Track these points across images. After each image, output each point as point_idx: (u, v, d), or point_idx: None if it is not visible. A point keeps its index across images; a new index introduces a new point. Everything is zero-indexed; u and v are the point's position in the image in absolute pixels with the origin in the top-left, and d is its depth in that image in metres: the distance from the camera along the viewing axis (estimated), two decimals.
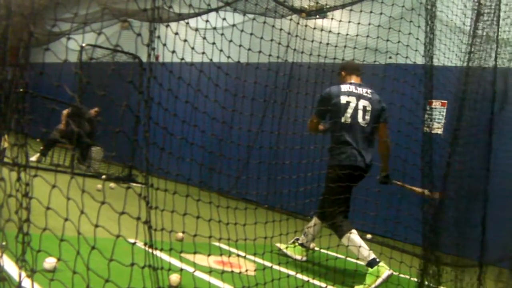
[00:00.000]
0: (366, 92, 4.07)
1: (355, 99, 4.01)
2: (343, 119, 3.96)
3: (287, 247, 4.32)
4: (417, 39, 3.55)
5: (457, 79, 4.03)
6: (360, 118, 3.98)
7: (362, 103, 4.02)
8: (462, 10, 4.32)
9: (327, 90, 4.07)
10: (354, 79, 4.19)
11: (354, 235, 3.74)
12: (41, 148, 8.38)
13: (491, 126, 3.91)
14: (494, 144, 4.04)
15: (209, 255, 2.90)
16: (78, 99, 8.24)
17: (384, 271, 3.57)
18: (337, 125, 3.96)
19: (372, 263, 3.64)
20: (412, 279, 3.55)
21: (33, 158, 7.95)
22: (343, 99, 4.00)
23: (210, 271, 2.81)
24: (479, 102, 3.87)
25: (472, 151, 3.82)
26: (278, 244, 4.22)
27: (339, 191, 3.83)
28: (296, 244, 4.33)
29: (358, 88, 4.08)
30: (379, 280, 3.54)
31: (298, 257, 4.27)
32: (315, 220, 4.22)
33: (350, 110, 3.98)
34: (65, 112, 8.53)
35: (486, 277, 3.76)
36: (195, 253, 2.62)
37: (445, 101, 5.96)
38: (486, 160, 3.91)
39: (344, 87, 4.07)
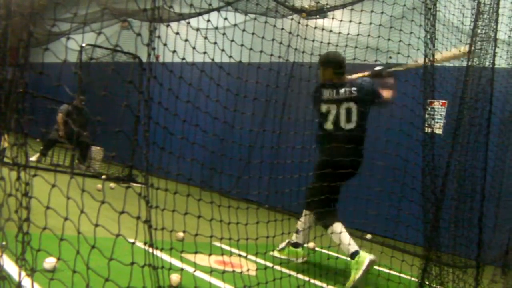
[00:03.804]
0: (350, 92, 4.03)
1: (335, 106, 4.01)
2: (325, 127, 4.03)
3: (274, 250, 4.25)
4: (419, 38, 3.55)
5: (456, 79, 4.03)
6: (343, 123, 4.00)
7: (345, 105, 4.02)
8: (460, 9, 4.31)
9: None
10: (335, 78, 4.07)
11: (341, 229, 3.76)
12: (41, 148, 8.38)
13: (488, 126, 3.90)
14: (492, 144, 4.03)
15: (210, 254, 2.89)
16: (78, 98, 8.28)
17: (365, 257, 3.58)
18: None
19: (354, 254, 3.63)
20: (413, 278, 3.55)
21: (33, 158, 7.95)
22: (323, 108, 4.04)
23: (211, 271, 2.80)
24: (479, 101, 3.87)
25: (472, 151, 3.82)
26: (271, 252, 4.17)
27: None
28: (289, 247, 4.27)
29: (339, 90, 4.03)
30: (363, 266, 3.54)
31: (293, 258, 4.21)
32: (304, 213, 4.19)
33: (331, 117, 4.02)
34: (60, 118, 8.52)
35: (483, 277, 3.75)
36: (196, 253, 2.61)
37: (445, 101, 5.96)
38: (484, 159, 3.90)
39: (325, 93, 4.05)
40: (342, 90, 4.02)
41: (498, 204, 4.94)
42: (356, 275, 3.55)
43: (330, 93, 4.04)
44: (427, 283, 3.25)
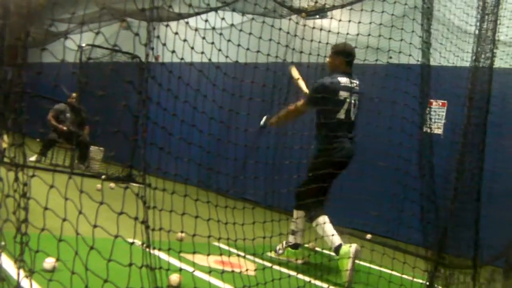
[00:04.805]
0: (357, 85, 4.09)
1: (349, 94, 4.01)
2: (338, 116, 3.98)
3: (271, 251, 4.20)
4: (420, 37, 3.54)
5: (459, 79, 4.03)
6: (352, 114, 4.03)
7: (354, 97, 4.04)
8: (463, 9, 4.30)
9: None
10: (346, 68, 4.10)
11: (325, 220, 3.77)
12: (40, 148, 8.37)
13: (485, 126, 3.90)
14: (492, 144, 4.02)
15: (208, 254, 2.88)
16: (77, 98, 8.27)
17: (350, 246, 3.58)
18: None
19: (337, 249, 3.64)
20: (415, 280, 3.53)
21: (33, 158, 7.94)
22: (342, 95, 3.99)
23: (210, 271, 2.79)
24: (481, 101, 3.87)
25: (473, 151, 3.82)
26: (269, 253, 4.14)
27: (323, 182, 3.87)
28: (287, 248, 4.21)
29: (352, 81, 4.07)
30: (351, 254, 3.54)
31: (292, 259, 4.13)
32: (297, 214, 4.15)
33: (346, 106, 4.00)
34: (50, 117, 8.53)
35: (480, 277, 3.74)
36: (194, 252, 2.60)
37: (445, 101, 5.95)
38: (481, 159, 3.90)
39: (342, 80, 4.02)
40: (353, 80, 4.07)
41: (500, 205, 4.94)
42: (348, 264, 3.53)
43: (346, 81, 4.02)
44: (436, 286, 3.25)
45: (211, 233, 2.70)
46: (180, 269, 2.57)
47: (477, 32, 3.78)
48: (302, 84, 4.35)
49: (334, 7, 6.44)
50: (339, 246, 3.65)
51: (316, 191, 3.81)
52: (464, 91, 3.83)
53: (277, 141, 4.23)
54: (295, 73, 4.41)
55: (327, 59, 4.15)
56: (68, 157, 8.56)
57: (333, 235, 3.71)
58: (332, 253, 3.97)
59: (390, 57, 4.34)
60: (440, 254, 3.32)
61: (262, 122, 4.29)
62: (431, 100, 3.51)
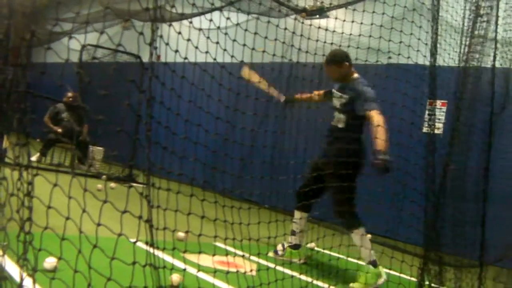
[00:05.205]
0: None
1: None
2: None
3: (275, 253, 4.23)
4: (419, 39, 3.54)
5: (455, 79, 4.03)
6: None
7: None
8: (463, 10, 4.31)
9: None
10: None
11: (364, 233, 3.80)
12: (40, 148, 8.37)
13: (490, 126, 3.90)
14: (494, 144, 4.02)
15: (214, 255, 2.88)
16: (78, 97, 8.26)
17: (383, 274, 3.67)
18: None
19: (375, 263, 3.68)
20: (412, 279, 3.54)
21: (33, 158, 7.93)
22: None
23: (215, 271, 2.79)
24: (477, 101, 3.87)
25: (470, 151, 3.82)
26: (270, 254, 4.12)
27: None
28: (288, 249, 4.23)
29: None
30: (379, 282, 3.61)
31: (295, 260, 4.11)
32: (300, 214, 4.15)
33: None
34: (46, 118, 8.52)
35: (486, 277, 3.75)
36: (200, 252, 2.60)
37: (445, 101, 5.95)
38: (485, 160, 3.90)
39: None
40: None
41: (505, 205, 4.95)
42: (374, 284, 3.63)
43: None
44: (426, 282, 3.25)
45: (214, 233, 2.70)
46: (184, 269, 2.57)
47: (469, 31, 3.78)
48: (266, 86, 4.22)
49: (336, 6, 6.44)
50: (376, 262, 3.73)
51: (351, 192, 3.80)
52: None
53: (275, 140, 4.22)
54: (252, 75, 4.19)
55: (338, 70, 3.96)
56: (68, 157, 8.55)
57: (371, 251, 3.75)
58: (331, 253, 3.98)
59: (390, 58, 4.34)
60: (429, 251, 3.32)
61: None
62: (433, 100, 3.51)
